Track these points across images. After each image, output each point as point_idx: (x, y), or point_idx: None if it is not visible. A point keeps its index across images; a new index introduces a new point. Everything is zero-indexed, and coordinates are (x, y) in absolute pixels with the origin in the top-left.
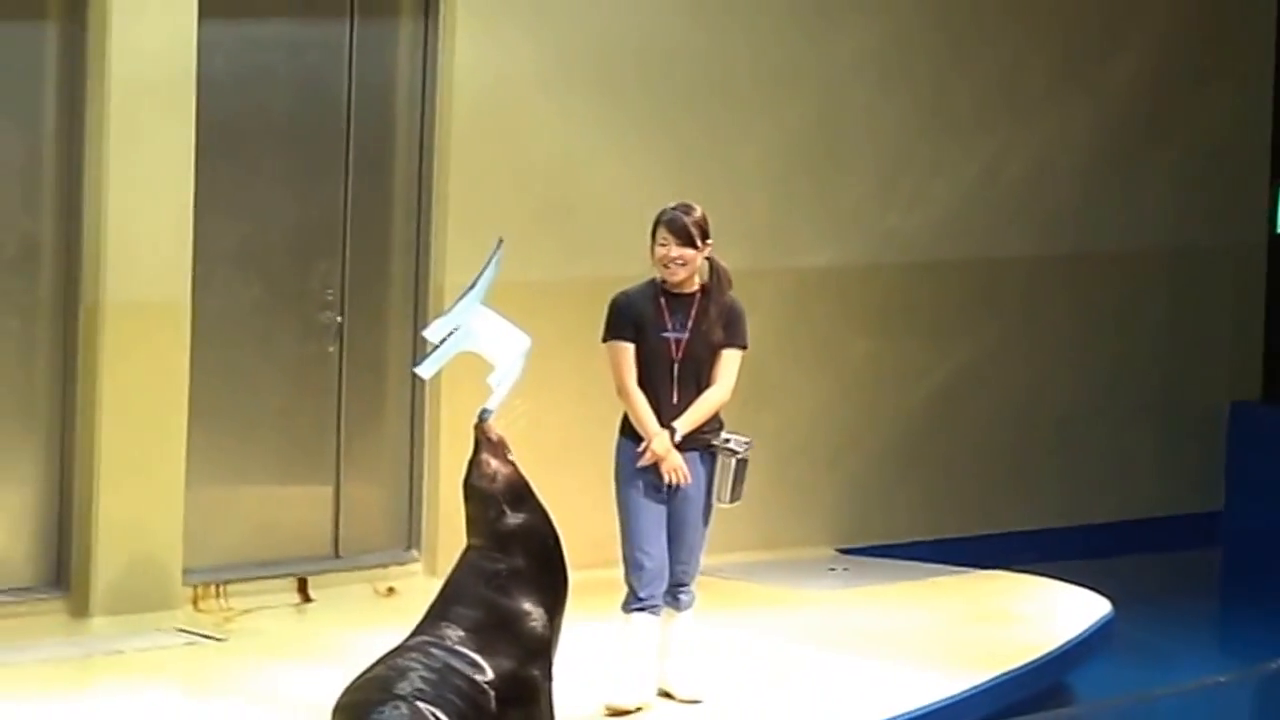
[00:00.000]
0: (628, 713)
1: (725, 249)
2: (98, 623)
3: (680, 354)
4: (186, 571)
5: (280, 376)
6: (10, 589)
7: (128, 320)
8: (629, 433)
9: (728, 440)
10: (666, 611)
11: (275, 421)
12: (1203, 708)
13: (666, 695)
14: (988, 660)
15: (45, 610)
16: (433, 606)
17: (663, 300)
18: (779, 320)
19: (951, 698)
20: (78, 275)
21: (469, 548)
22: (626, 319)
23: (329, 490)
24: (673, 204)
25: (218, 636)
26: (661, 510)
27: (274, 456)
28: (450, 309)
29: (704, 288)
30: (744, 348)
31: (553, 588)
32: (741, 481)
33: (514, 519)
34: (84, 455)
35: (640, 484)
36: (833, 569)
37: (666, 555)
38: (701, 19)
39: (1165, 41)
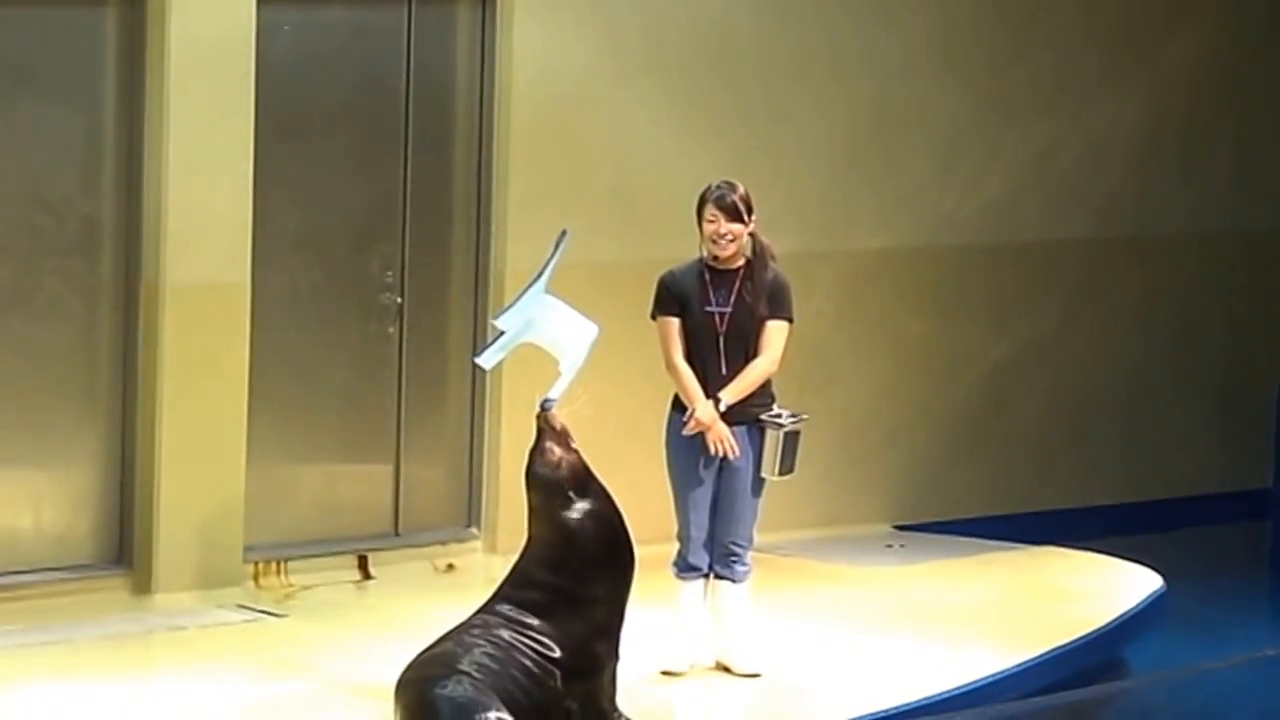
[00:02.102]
0: (680, 675)
1: (783, 231)
2: (160, 599)
3: (725, 327)
4: (248, 548)
5: (341, 357)
6: (73, 566)
7: (188, 301)
8: (678, 406)
9: (777, 415)
10: (721, 583)
11: (336, 401)
12: (1254, 680)
13: (725, 669)
14: (1043, 635)
15: (108, 587)
16: (499, 588)
17: (707, 276)
18: (837, 301)
19: (1007, 671)
20: (138, 257)
21: (532, 537)
22: (671, 295)
23: (389, 468)
24: (716, 182)
25: (278, 613)
26: (709, 482)
27: (335, 435)
28: (517, 299)
29: (748, 262)
30: (789, 319)
31: (619, 570)
32: (792, 455)
33: (580, 506)
34: (145, 433)
35: (688, 456)
36: (890, 545)
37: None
38: (760, 4)
39: (1222, 25)
